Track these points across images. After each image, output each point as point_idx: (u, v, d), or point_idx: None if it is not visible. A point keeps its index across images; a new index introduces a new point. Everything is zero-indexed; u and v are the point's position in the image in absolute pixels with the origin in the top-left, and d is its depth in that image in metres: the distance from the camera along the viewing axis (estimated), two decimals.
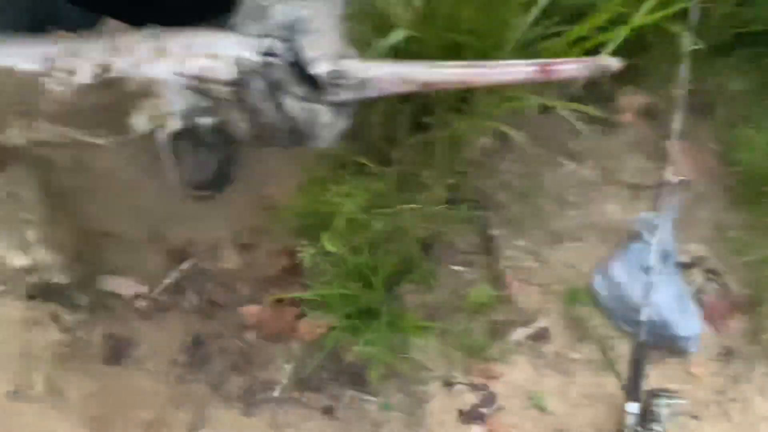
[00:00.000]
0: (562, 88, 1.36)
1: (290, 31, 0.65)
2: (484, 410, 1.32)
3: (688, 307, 1.37)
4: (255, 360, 1.36)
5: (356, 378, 1.35)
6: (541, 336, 1.37)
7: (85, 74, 0.61)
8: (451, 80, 0.69)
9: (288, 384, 1.34)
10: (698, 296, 1.43)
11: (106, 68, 0.61)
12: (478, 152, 1.45)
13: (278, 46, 0.64)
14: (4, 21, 1.25)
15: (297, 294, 1.30)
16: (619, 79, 1.52)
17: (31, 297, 1.30)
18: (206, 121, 0.63)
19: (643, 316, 1.27)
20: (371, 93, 0.68)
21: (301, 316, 1.35)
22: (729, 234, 1.48)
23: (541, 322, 1.37)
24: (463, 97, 1.29)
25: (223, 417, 1.31)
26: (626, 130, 1.57)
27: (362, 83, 0.66)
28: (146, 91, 0.61)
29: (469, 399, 1.33)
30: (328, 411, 1.33)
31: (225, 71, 0.62)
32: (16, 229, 1.25)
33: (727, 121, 1.59)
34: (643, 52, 1.47)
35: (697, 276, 1.45)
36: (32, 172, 1.40)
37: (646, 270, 1.30)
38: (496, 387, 1.33)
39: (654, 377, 1.36)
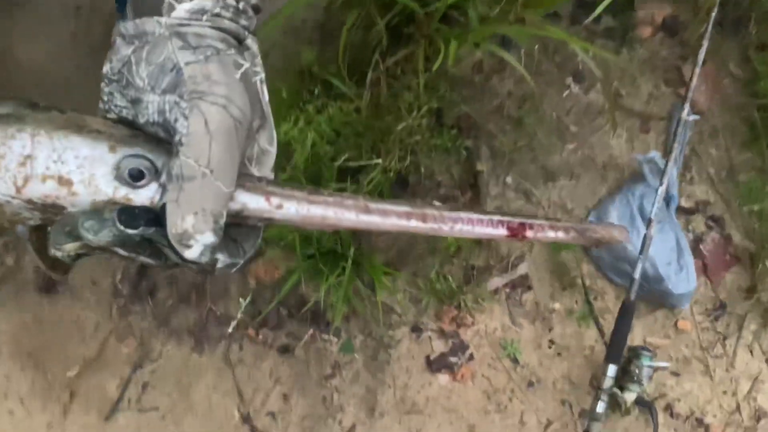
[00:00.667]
0: None
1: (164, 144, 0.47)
2: (453, 359, 1.23)
3: (685, 260, 1.25)
4: (207, 293, 1.24)
5: (317, 317, 1.24)
6: (520, 284, 1.25)
7: None
8: (390, 230, 0.50)
9: (243, 320, 1.23)
10: (696, 245, 1.30)
11: None
12: (469, 70, 1.24)
13: (145, 170, 0.45)
14: None
15: None
16: None
17: None
18: (66, 249, 0.45)
19: (637, 274, 1.15)
20: (280, 222, 0.51)
21: (257, 253, 1.20)
22: (739, 177, 1.33)
23: (522, 269, 1.25)
24: (454, 5, 1.07)
25: (170, 353, 1.22)
26: (643, 47, 1.36)
27: (268, 221, 0.49)
28: None
29: (438, 347, 1.23)
30: (285, 350, 1.24)
31: (73, 202, 0.44)
32: None
33: (757, 42, 1.37)
34: None
35: (698, 223, 1.31)
36: None
37: (647, 220, 1.16)
38: (467, 335, 1.24)
39: (638, 330, 1.28)
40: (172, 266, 0.49)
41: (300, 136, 1.06)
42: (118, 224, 0.44)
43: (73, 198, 0.45)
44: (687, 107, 1.16)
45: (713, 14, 1.17)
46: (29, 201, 0.45)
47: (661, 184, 1.15)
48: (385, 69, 1.08)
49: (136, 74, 0.47)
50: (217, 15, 0.47)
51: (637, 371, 1.18)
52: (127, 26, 0.47)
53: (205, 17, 0.46)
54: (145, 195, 0.46)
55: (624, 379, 1.19)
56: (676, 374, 1.27)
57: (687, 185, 1.33)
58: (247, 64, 0.48)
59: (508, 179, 1.26)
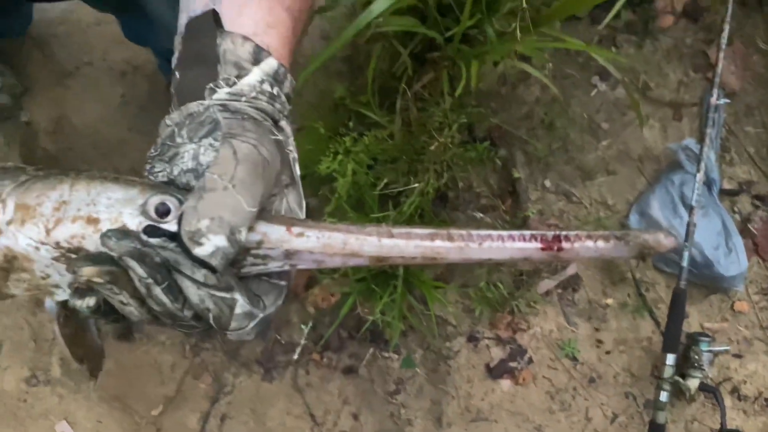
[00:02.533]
0: None
1: (194, 180, 0.47)
2: (513, 364, 1.26)
3: (734, 242, 1.25)
4: (270, 323, 1.31)
5: (376, 336, 1.29)
6: (570, 284, 1.27)
7: None
8: (414, 255, 0.47)
9: (307, 346, 1.29)
10: (744, 225, 1.30)
11: None
12: (494, 83, 1.28)
13: (172, 206, 0.45)
14: None
15: None
16: None
17: None
18: (87, 302, 0.45)
19: (684, 262, 1.16)
20: (305, 265, 0.48)
21: (312, 281, 1.27)
22: None
23: (571, 270, 1.27)
24: (474, 26, 1.11)
25: (243, 384, 1.29)
26: (666, 36, 1.37)
27: (288, 254, 0.47)
28: (11, 265, 0.46)
29: (496, 354, 1.27)
30: (349, 370, 1.29)
31: (101, 244, 0.43)
32: None
33: None
34: None
35: (744, 204, 1.31)
36: None
37: (689, 207, 1.17)
38: (524, 340, 1.26)
39: (694, 316, 1.28)
40: (183, 319, 0.46)
41: (341, 167, 1.11)
42: (141, 234, 0.44)
43: (97, 236, 0.44)
44: (716, 91, 1.17)
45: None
46: (57, 244, 0.45)
47: (698, 170, 1.16)
48: (412, 95, 1.13)
49: (177, 135, 0.49)
50: (255, 98, 0.50)
51: (696, 357, 1.19)
52: (173, 116, 0.50)
53: (243, 99, 0.50)
54: (169, 228, 0.45)
55: (685, 366, 1.20)
56: (738, 356, 1.26)
57: (727, 167, 1.33)
58: (280, 137, 0.51)
59: (547, 182, 1.29)
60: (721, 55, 1.17)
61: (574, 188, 1.29)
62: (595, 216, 1.28)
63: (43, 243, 0.45)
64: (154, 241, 0.44)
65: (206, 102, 0.50)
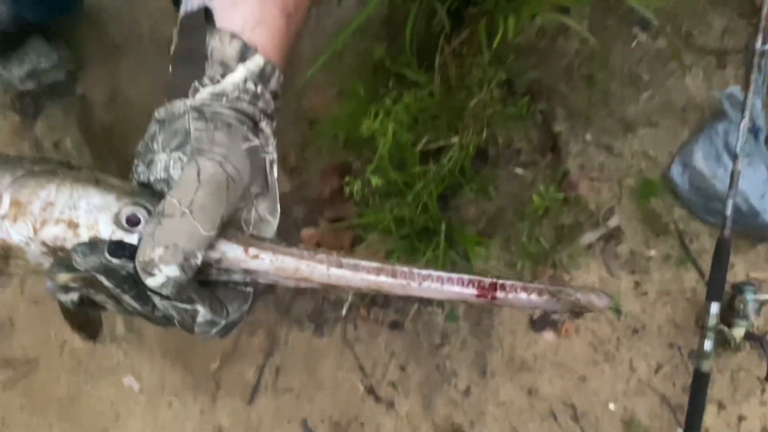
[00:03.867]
0: None
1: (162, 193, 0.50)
2: (555, 316, 1.28)
3: None
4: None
5: None
6: (613, 236, 1.28)
7: None
8: (360, 286, 0.49)
9: (354, 302, 1.34)
10: None
11: None
12: (533, 37, 1.28)
13: (141, 217, 0.48)
14: None
15: (349, 222, 1.26)
16: None
17: None
18: (70, 297, 0.50)
19: (728, 211, 1.15)
20: (264, 281, 0.51)
21: (358, 239, 1.31)
22: None
23: (614, 221, 1.28)
24: None
25: (295, 339, 1.35)
26: None
27: (246, 272, 0.49)
28: (7, 252, 0.51)
29: None
30: (395, 325, 1.34)
31: (78, 252, 0.47)
32: None
33: None
34: None
35: None
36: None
37: (733, 155, 1.16)
38: None
39: (741, 266, 1.28)
40: (156, 318, 0.50)
41: (381, 128, 1.14)
42: (106, 253, 0.46)
43: (77, 240, 0.49)
44: (760, 37, 1.15)
45: None
46: (43, 243, 0.50)
47: (743, 117, 1.14)
48: (451, 51, 1.14)
49: (155, 141, 0.52)
50: (237, 98, 0.52)
51: (742, 306, 1.19)
52: (160, 111, 0.53)
53: (224, 99, 0.52)
54: (137, 238, 0.49)
55: (730, 315, 1.20)
56: None
57: None
58: (256, 142, 0.52)
59: (588, 136, 1.29)
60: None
61: (616, 141, 1.29)
62: (637, 168, 1.28)
63: (31, 240, 0.50)
64: (115, 261, 0.47)
65: (188, 102, 0.52)
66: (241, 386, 1.33)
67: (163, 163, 0.51)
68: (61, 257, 0.50)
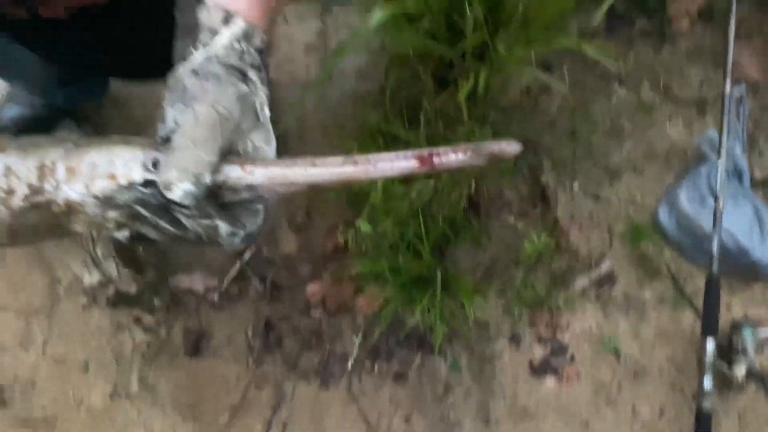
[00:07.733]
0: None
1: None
2: (556, 362, 1.30)
3: (767, 229, 1.26)
4: (325, 335, 1.41)
5: (423, 343, 1.36)
6: (606, 279, 1.31)
7: (19, 196, 0.64)
8: (332, 180, 0.60)
9: (359, 355, 1.38)
10: None
11: (35, 191, 0.64)
12: (518, 96, 1.37)
13: (160, 159, 0.61)
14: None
15: (350, 271, 1.32)
16: None
17: (114, 305, 1.41)
18: (122, 233, 0.64)
19: (714, 247, 1.18)
20: (265, 194, 0.63)
21: (359, 289, 1.36)
22: None
23: (605, 265, 1.31)
24: (485, 43, 1.21)
25: (302, 393, 1.38)
26: (683, 40, 1.42)
27: (249, 188, 0.62)
28: (71, 209, 0.64)
29: (539, 352, 1.31)
30: (399, 377, 1.36)
31: (120, 194, 0.62)
32: (86, 247, 1.34)
33: None
34: None
35: None
36: None
37: (715, 195, 1.20)
38: (565, 337, 1.30)
39: (738, 305, 1.28)
40: (189, 238, 0.63)
41: (371, 186, 1.22)
42: (139, 187, 0.61)
43: (118, 186, 0.62)
44: (728, 82, 1.21)
45: None
46: (95, 196, 0.63)
47: (719, 156, 1.19)
48: (435, 112, 1.23)
49: (165, 101, 0.63)
50: (225, 56, 0.64)
51: (741, 344, 1.19)
52: (168, 78, 0.65)
53: (215, 58, 0.63)
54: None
55: (730, 354, 1.20)
56: None
57: (758, 158, 1.34)
58: (245, 88, 0.64)
59: (575, 185, 1.35)
60: (731, 47, 1.22)
61: (603, 189, 1.34)
62: (625, 213, 1.32)
63: (86, 195, 0.64)
64: (147, 191, 0.62)
65: (187, 65, 0.64)
66: None
67: (171, 115, 0.63)
68: (110, 203, 0.63)
